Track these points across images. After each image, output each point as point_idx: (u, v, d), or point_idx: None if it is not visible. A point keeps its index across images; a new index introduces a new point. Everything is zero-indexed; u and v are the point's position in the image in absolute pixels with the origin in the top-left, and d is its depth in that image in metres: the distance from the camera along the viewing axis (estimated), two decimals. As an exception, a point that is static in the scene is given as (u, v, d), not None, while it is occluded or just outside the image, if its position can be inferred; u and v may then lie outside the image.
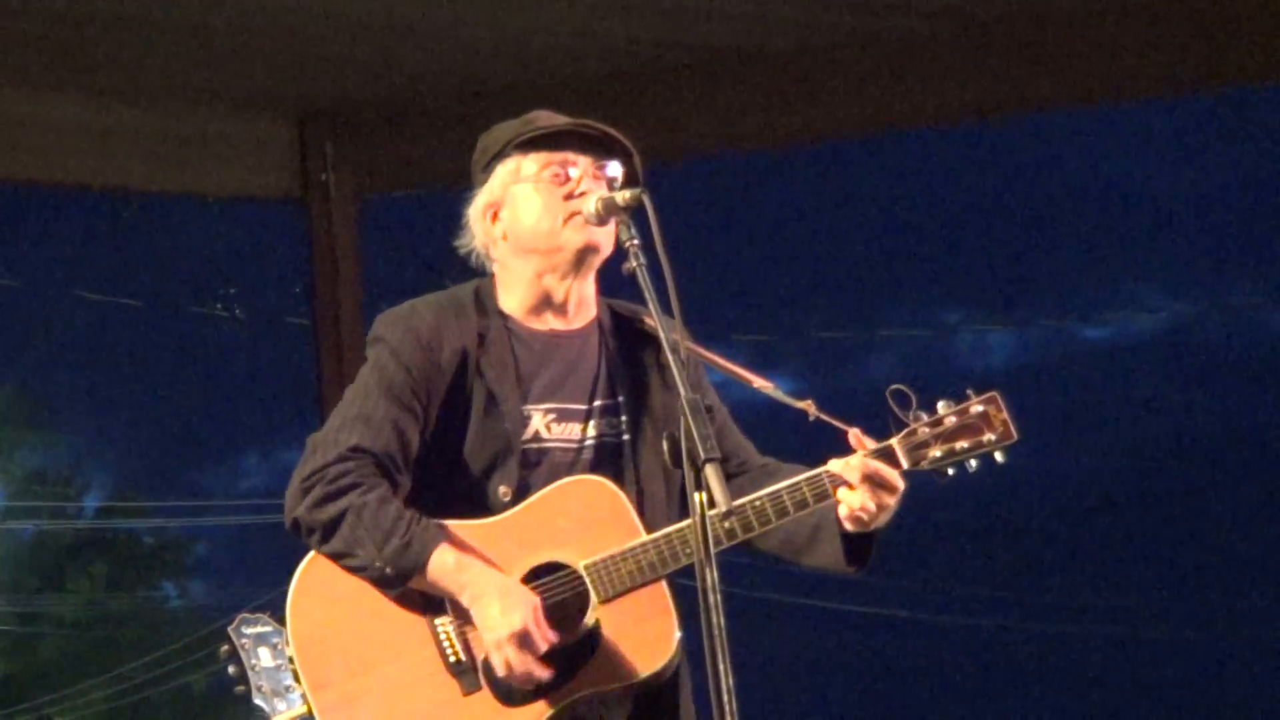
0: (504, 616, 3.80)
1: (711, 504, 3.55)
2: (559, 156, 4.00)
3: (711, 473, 3.53)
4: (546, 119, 4.05)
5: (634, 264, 3.80)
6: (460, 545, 3.85)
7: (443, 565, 3.83)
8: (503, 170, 4.03)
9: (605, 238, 3.95)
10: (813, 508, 3.85)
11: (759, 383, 3.99)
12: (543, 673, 3.81)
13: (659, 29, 7.10)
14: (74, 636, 26.85)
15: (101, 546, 27.81)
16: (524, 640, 3.79)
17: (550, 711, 3.83)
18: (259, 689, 4.13)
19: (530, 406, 3.95)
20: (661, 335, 3.74)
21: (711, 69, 7.32)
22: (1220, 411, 30.76)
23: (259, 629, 4.20)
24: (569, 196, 3.97)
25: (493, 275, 4.08)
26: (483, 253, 4.06)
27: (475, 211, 4.05)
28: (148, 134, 7.42)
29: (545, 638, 3.81)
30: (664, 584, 3.88)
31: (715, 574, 3.54)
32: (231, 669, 4.17)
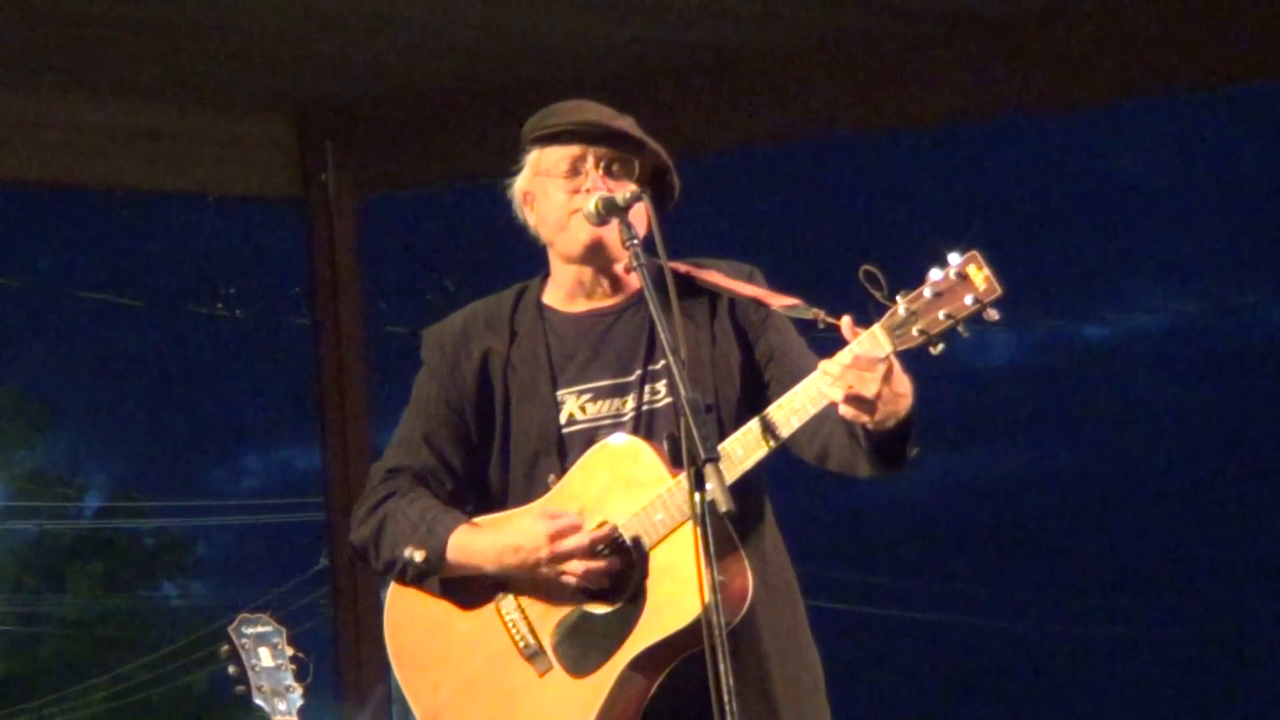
0: (525, 540, 3.88)
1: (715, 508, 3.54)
2: (572, 151, 4.02)
3: (711, 472, 3.53)
4: (563, 113, 4.08)
5: (633, 265, 3.83)
6: (476, 523, 3.96)
7: (460, 542, 3.94)
8: (529, 161, 4.08)
9: (609, 231, 3.95)
10: (811, 414, 3.74)
11: (776, 301, 3.95)
12: (603, 535, 3.84)
13: (660, 29, 7.10)
14: (74, 636, 26.83)
15: (101, 546, 27.78)
16: (561, 538, 3.86)
17: (614, 676, 3.85)
18: (259, 689, 4.14)
19: (563, 391, 4.00)
20: (664, 337, 3.73)
21: (712, 69, 7.32)
22: (1221, 411, 30.75)
23: (259, 629, 4.21)
24: (576, 192, 3.99)
25: (546, 272, 4.13)
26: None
27: (515, 199, 4.10)
28: (148, 134, 7.41)
29: (570, 523, 3.85)
30: (697, 538, 3.78)
31: (716, 574, 3.54)
32: (231, 669, 4.18)
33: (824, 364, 3.72)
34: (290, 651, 4.22)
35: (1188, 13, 7.07)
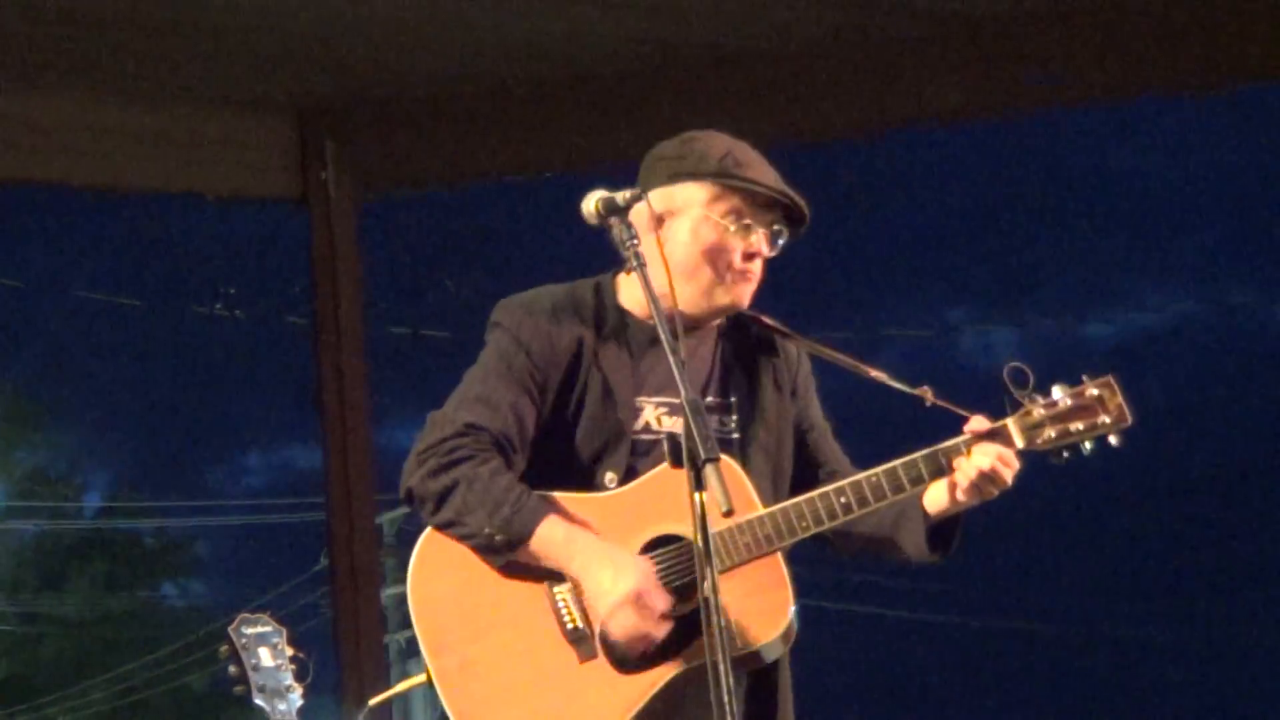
0: (616, 582, 3.86)
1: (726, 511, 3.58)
2: (751, 209, 4.01)
3: (712, 473, 3.53)
4: (758, 171, 4.04)
5: (634, 265, 3.82)
6: (570, 517, 3.93)
7: (550, 535, 3.90)
8: (695, 190, 4.03)
9: (748, 296, 4.03)
10: (926, 484, 3.91)
11: (874, 373, 4.06)
12: (659, 634, 3.86)
13: (660, 29, 7.10)
14: (74, 636, 26.85)
15: (101, 546, 27.81)
16: (639, 603, 3.85)
17: (664, 681, 3.86)
18: (259, 689, 4.13)
19: (643, 398, 4.02)
20: (664, 337, 3.73)
21: (711, 69, 7.31)
22: (1221, 411, 30.75)
23: (259, 629, 4.20)
24: (746, 256, 4.00)
25: (616, 271, 4.11)
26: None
27: (643, 209, 3.96)
28: (148, 134, 7.41)
29: (660, 601, 3.86)
30: (781, 558, 3.93)
31: (716, 574, 3.55)
32: (231, 669, 4.17)
33: (963, 445, 3.88)
34: (290, 651, 4.21)
35: (1188, 13, 7.07)
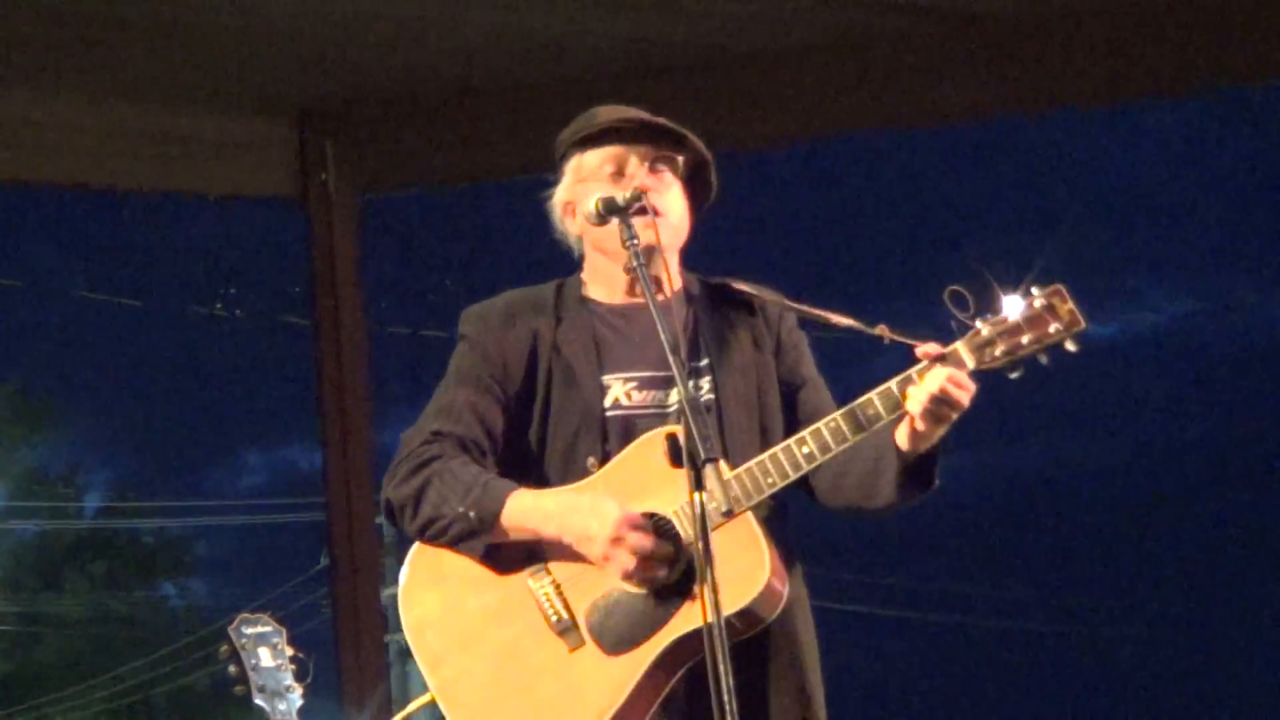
0: (597, 518, 3.84)
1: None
2: (615, 151, 4.04)
3: (711, 473, 3.53)
4: (603, 115, 4.09)
5: (634, 264, 3.83)
6: (537, 491, 3.93)
7: (521, 504, 3.90)
8: (569, 169, 4.10)
9: (666, 235, 3.97)
10: (886, 419, 3.82)
11: (835, 318, 4.00)
12: (665, 549, 3.83)
13: (659, 29, 7.10)
14: (74, 636, 26.85)
15: (101, 546, 27.81)
16: (630, 526, 3.82)
17: (653, 656, 3.85)
18: (259, 689, 4.13)
19: (609, 376, 4.01)
20: (663, 336, 3.72)
21: (711, 69, 7.32)
22: (1221, 411, 30.76)
23: (259, 629, 4.21)
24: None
25: (580, 267, 4.14)
26: (574, 244, 4.11)
27: (555, 211, 4.12)
28: (148, 134, 7.41)
29: (641, 524, 3.82)
30: (752, 518, 3.87)
31: (715, 573, 3.54)
32: (231, 669, 4.18)
33: (913, 374, 3.80)
34: (290, 651, 4.22)
35: (1188, 14, 7.08)
